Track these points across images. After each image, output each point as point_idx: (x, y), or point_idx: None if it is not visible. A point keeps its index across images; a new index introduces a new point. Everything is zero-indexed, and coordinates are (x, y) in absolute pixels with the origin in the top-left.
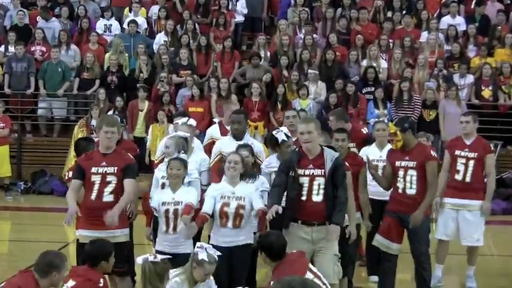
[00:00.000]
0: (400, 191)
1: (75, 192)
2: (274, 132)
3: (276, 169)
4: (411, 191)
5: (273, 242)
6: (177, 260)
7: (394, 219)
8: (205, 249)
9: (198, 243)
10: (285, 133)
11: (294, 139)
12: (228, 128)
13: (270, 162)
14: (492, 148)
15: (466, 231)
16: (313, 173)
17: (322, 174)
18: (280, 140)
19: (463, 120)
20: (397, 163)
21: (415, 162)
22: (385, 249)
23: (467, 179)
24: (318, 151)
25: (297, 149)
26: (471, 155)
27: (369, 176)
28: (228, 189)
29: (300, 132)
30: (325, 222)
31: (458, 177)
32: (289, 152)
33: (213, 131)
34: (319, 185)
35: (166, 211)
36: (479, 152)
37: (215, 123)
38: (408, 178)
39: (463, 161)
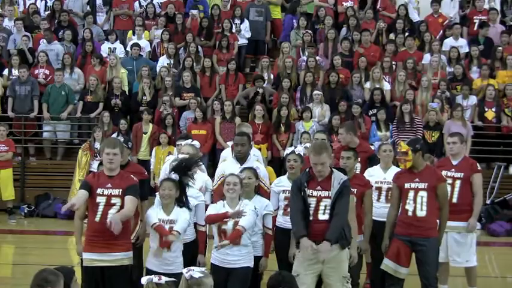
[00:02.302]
0: (410, 213)
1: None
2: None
3: (284, 188)
4: (421, 213)
5: (284, 283)
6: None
7: (403, 243)
8: (193, 270)
9: (185, 269)
10: (293, 150)
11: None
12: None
13: (280, 181)
14: (479, 168)
15: (455, 253)
16: (320, 195)
17: (329, 195)
18: (285, 154)
19: (449, 141)
20: (407, 185)
21: (426, 184)
22: (393, 273)
23: (454, 200)
24: (327, 173)
25: (307, 170)
26: (457, 175)
27: (374, 197)
28: (226, 210)
29: (313, 163)
30: (343, 247)
31: None
32: (288, 165)
33: (226, 153)
34: (325, 206)
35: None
36: (466, 172)
37: (228, 146)
38: (419, 200)
39: (450, 181)
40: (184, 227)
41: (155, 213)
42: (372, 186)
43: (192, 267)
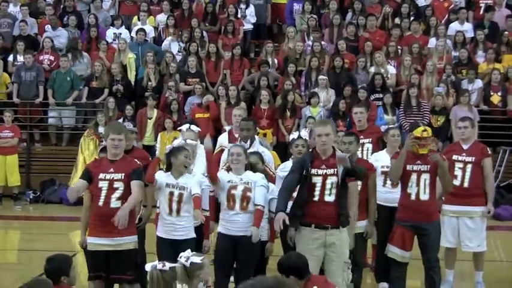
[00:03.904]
0: (413, 197)
1: (79, 192)
2: (291, 135)
3: None
4: (425, 196)
5: (297, 262)
6: (179, 247)
7: (407, 228)
8: (190, 256)
9: (182, 257)
10: (299, 135)
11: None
12: (237, 135)
13: (286, 166)
14: (489, 152)
15: (467, 238)
16: (326, 173)
17: (335, 173)
18: (291, 139)
19: (461, 126)
20: (409, 167)
21: (428, 166)
22: (400, 259)
23: (466, 185)
24: (330, 152)
25: (310, 150)
26: (468, 159)
27: (379, 182)
28: (235, 176)
29: (318, 135)
30: (338, 226)
31: (457, 182)
32: (296, 151)
33: (223, 139)
34: (331, 184)
35: (171, 193)
36: (477, 156)
37: (225, 131)
38: (422, 183)
39: (461, 165)
40: (199, 190)
41: (165, 177)
42: (376, 170)
43: (186, 254)
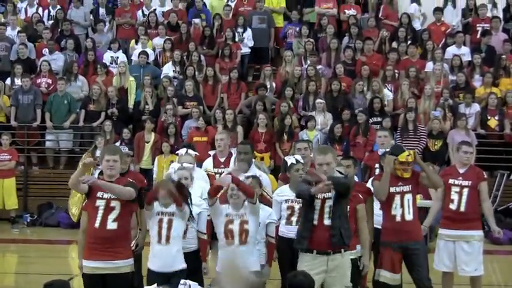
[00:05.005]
0: (398, 218)
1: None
2: (286, 158)
3: (287, 197)
4: (409, 216)
5: (303, 281)
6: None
7: (395, 250)
8: (190, 285)
9: (181, 281)
10: (296, 159)
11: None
12: (222, 160)
13: (282, 191)
14: (485, 176)
15: (464, 262)
16: (324, 196)
17: (331, 196)
18: (289, 163)
19: (467, 151)
20: (392, 189)
21: (410, 186)
22: (391, 282)
23: (462, 209)
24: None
25: None
26: (465, 183)
27: (376, 206)
28: (232, 211)
29: (319, 164)
30: (340, 250)
31: (453, 206)
32: (297, 175)
33: (207, 163)
34: (329, 207)
35: (160, 221)
36: (473, 180)
37: (210, 156)
38: (406, 203)
39: (457, 189)
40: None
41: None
42: (373, 194)
43: (188, 281)
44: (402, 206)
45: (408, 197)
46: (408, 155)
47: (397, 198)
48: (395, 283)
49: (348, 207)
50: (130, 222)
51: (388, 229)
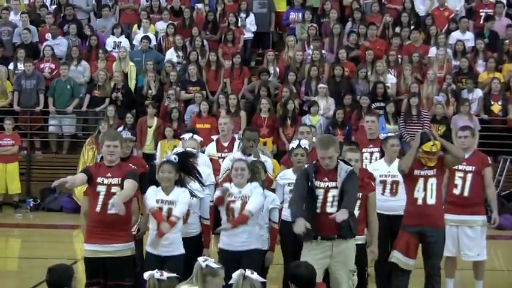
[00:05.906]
0: (420, 202)
1: (74, 182)
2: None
3: (289, 181)
4: (431, 200)
5: (303, 273)
6: (168, 263)
7: (412, 235)
8: (209, 260)
9: (200, 258)
10: (298, 143)
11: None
12: (225, 144)
13: (285, 174)
14: (490, 162)
15: (467, 247)
16: (328, 186)
17: (336, 186)
18: (290, 148)
19: (461, 135)
20: (416, 172)
21: (435, 170)
22: (403, 266)
23: (466, 194)
24: (334, 165)
25: (314, 162)
26: (469, 168)
27: (378, 191)
28: (235, 189)
29: (321, 157)
30: (345, 237)
31: (457, 191)
32: (296, 160)
33: (210, 148)
34: (333, 196)
35: (160, 209)
36: (477, 165)
37: (213, 140)
38: (429, 187)
39: (461, 174)
40: (183, 211)
41: (154, 194)
42: (375, 188)
43: (207, 257)
44: (425, 189)
45: (432, 181)
46: (433, 145)
47: (421, 181)
48: (407, 268)
49: (360, 194)
50: (131, 206)
51: (409, 212)
